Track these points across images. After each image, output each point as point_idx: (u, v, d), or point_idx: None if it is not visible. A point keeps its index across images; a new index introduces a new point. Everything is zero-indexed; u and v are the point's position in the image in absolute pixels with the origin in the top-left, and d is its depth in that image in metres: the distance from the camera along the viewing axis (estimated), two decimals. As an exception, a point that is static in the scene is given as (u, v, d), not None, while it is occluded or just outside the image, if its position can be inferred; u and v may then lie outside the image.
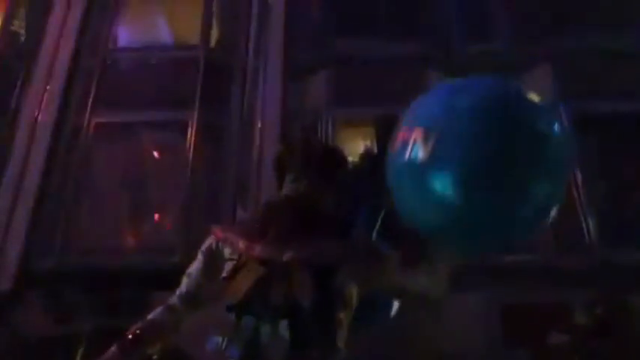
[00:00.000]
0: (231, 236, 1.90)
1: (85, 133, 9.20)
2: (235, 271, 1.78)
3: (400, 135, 1.69)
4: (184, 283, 2.01)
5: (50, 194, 8.96)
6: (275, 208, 1.95)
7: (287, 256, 1.71)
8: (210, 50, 9.97)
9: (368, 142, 9.20)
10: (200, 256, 2.02)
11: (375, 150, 9.05)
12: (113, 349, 1.87)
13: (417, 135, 1.57)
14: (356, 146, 9.32)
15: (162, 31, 10.77)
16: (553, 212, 1.70)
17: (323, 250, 1.74)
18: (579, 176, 8.32)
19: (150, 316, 1.98)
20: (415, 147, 1.57)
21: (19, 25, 10.74)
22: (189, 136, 8.98)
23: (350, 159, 8.28)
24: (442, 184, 1.52)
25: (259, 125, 9.03)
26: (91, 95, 9.48)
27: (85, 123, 9.27)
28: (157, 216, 9.09)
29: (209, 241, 2.01)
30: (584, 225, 8.04)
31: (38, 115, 9.60)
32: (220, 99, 9.48)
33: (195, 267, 2.01)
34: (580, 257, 7.90)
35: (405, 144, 1.62)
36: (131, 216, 8.76)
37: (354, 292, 1.74)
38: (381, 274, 1.77)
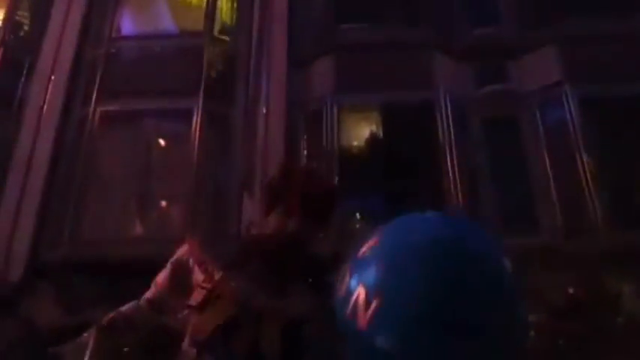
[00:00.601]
0: (208, 261, 1.80)
1: (90, 123, 9.22)
2: (206, 302, 1.69)
3: (344, 285, 1.56)
4: (150, 290, 1.96)
5: (57, 185, 9.01)
6: (259, 242, 1.83)
7: (260, 304, 1.65)
8: (213, 38, 9.94)
9: (373, 128, 9.18)
10: (169, 266, 1.93)
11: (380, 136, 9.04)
12: (87, 334, 1.88)
13: (359, 293, 1.48)
14: (361, 132, 9.31)
15: (165, 19, 10.74)
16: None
17: (295, 306, 1.66)
18: (586, 156, 8.29)
19: (122, 309, 1.97)
20: (357, 307, 1.49)
21: (23, 16, 10.73)
22: (194, 124, 8.99)
23: (355, 143, 8.24)
24: (383, 351, 1.47)
25: (264, 112, 9.03)
26: (96, 84, 9.48)
27: (91, 112, 9.28)
28: (163, 204, 9.13)
29: (182, 251, 1.91)
30: (591, 208, 8.02)
31: (44, 105, 9.61)
32: (225, 87, 9.47)
33: (162, 276, 1.94)
34: (588, 240, 7.89)
35: (347, 298, 1.52)
36: (138, 205, 8.79)
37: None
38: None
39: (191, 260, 1.84)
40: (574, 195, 8.25)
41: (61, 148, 9.31)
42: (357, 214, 8.88)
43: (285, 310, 1.64)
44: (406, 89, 8.98)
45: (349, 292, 1.46)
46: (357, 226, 8.85)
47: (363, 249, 1.54)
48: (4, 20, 10.52)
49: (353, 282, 1.49)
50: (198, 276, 1.77)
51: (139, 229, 8.68)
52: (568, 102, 8.75)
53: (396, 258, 1.46)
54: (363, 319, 1.40)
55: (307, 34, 9.88)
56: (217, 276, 1.71)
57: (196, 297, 1.70)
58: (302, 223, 1.81)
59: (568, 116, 8.67)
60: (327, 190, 2.01)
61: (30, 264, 8.33)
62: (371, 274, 1.48)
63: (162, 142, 9.28)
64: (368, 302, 1.42)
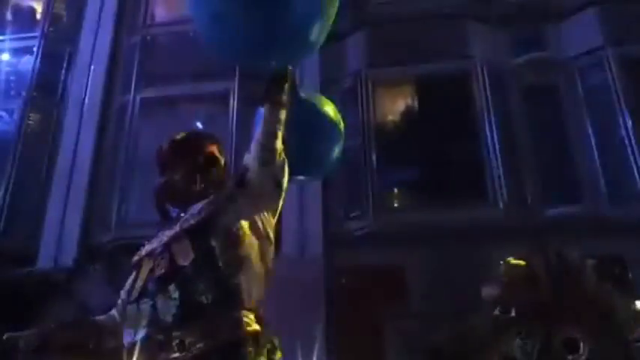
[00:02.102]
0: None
1: (131, 110, 9.43)
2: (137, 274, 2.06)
3: None
4: (120, 297, 2.19)
5: (103, 171, 9.28)
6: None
7: (160, 244, 1.99)
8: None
9: (409, 101, 9.11)
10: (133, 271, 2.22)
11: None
12: (46, 327, 2.04)
13: None
14: (397, 106, 9.26)
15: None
16: (315, 34, 2.07)
17: (190, 219, 1.98)
18: (629, 122, 8.07)
19: (96, 317, 2.19)
20: None
21: (60, 7, 10.97)
22: (230, 106, 9.09)
23: (391, 118, 8.17)
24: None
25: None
26: (134, 72, 9.67)
27: (131, 99, 9.49)
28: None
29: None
30: (636, 173, 7.82)
31: (85, 94, 9.87)
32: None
33: (128, 282, 2.18)
34: (632, 207, 7.71)
35: None
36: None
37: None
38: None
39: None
40: (617, 161, 8.06)
41: (104, 136, 9.57)
42: (395, 189, 8.88)
43: (185, 225, 1.96)
44: (441, 60, 8.86)
45: None
46: (395, 200, 8.86)
47: None
48: (43, 12, 10.79)
49: None
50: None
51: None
52: (610, 67, 8.49)
53: None
54: None
55: (339, 8, 9.77)
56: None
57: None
58: (181, 174, 2.19)
59: (610, 81, 8.43)
60: (181, 140, 2.33)
61: (81, 248, 8.65)
62: None
63: (199, 125, 9.41)
64: None
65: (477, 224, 7.48)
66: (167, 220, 2.13)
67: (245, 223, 1.95)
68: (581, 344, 2.70)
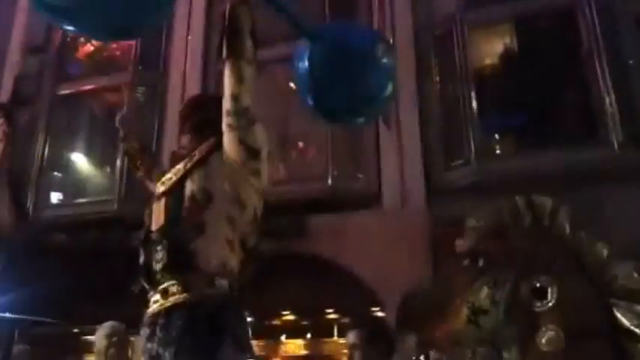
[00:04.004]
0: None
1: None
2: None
3: None
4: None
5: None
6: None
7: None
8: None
9: (508, 42, 8.62)
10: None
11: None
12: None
13: None
14: (495, 48, 8.82)
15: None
16: None
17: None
18: None
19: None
20: None
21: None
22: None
23: (489, 61, 7.80)
24: None
25: (391, 41, 8.84)
26: (227, 38, 9.86)
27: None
28: (300, 145, 9.45)
29: None
30: None
31: (185, 65, 10.26)
32: (349, 18, 9.36)
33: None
34: None
35: None
36: (280, 147, 9.11)
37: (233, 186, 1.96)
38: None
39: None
40: None
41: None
42: (497, 135, 8.54)
43: (161, 188, 2.10)
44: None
45: None
46: (497, 146, 8.53)
47: None
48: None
49: None
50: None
51: (283, 170, 9.02)
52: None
53: None
54: None
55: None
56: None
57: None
58: (190, 140, 2.21)
59: None
60: (190, 104, 2.37)
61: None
62: None
63: (293, 85, 9.49)
64: None
65: (588, 167, 7.04)
66: None
67: (212, 188, 1.92)
68: (549, 291, 2.66)
